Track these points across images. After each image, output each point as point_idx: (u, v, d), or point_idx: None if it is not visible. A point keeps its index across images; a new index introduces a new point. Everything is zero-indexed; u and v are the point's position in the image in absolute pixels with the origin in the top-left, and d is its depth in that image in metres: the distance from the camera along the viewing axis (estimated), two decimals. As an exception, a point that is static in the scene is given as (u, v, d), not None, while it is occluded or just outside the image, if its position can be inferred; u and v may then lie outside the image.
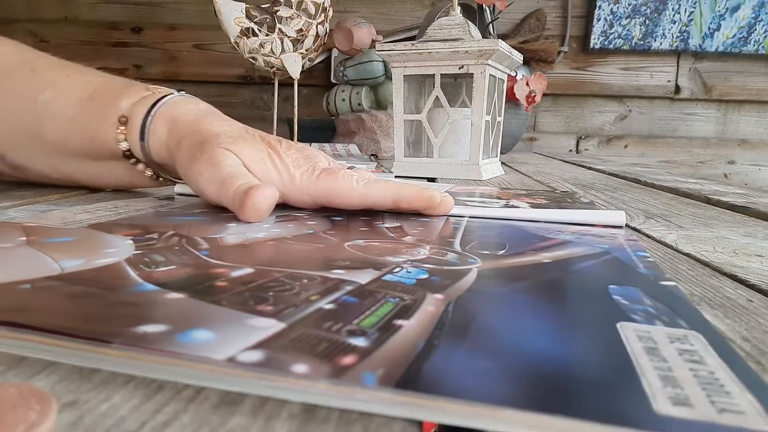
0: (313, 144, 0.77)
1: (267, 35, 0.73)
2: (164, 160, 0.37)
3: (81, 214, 0.32)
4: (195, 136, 0.34)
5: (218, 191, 0.31)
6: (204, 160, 0.32)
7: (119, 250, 0.21)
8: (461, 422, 0.10)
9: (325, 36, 0.77)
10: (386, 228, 0.29)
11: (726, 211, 0.41)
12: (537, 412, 0.10)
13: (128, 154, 0.37)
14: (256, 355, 0.12)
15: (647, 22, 1.23)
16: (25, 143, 0.39)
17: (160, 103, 0.36)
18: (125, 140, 0.36)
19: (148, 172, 0.38)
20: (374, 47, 0.75)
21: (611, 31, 1.25)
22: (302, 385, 0.11)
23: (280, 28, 0.72)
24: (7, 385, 0.11)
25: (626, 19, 1.24)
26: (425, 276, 0.19)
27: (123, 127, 0.36)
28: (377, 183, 0.33)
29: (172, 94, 0.38)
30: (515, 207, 0.36)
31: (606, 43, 1.26)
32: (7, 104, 0.38)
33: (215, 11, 0.71)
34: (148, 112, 0.36)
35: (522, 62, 0.68)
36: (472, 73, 0.56)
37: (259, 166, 0.33)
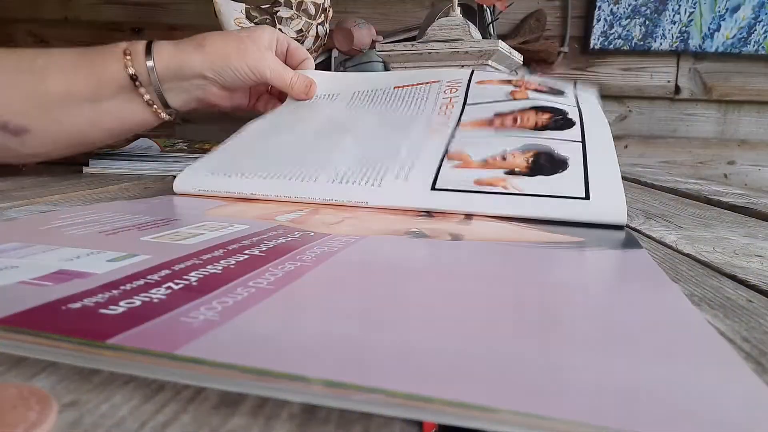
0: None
1: (267, 35, 0.72)
2: (174, 72, 0.43)
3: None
4: (216, 34, 0.45)
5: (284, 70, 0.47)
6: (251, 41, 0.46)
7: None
8: (461, 422, 0.10)
9: (325, 36, 0.77)
10: None
11: (726, 211, 0.41)
12: (536, 413, 0.10)
13: (134, 78, 0.42)
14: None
15: (647, 22, 1.23)
16: (26, 101, 0.41)
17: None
18: (131, 66, 0.42)
19: (151, 102, 0.44)
20: (374, 47, 0.75)
21: (611, 32, 1.25)
22: (301, 386, 0.11)
23: (280, 29, 0.72)
24: (7, 385, 0.11)
25: (626, 19, 1.24)
26: None
27: (128, 57, 0.42)
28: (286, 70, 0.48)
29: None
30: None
31: (606, 43, 1.26)
32: (4, 74, 0.41)
33: (215, 11, 0.71)
34: (148, 42, 0.43)
35: (522, 63, 0.68)
36: (472, 74, 0.56)
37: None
